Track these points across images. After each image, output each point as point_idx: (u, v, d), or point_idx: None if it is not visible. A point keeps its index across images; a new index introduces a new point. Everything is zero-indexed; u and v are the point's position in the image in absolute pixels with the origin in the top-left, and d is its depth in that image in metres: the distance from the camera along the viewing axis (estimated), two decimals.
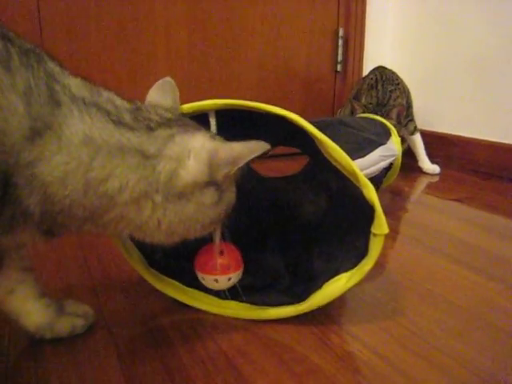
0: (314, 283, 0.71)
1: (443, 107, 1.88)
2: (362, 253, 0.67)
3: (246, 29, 1.84)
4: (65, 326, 0.65)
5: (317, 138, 0.64)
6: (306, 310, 0.69)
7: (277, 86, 1.96)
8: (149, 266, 0.77)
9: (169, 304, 0.75)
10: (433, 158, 1.75)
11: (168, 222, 0.53)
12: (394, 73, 1.76)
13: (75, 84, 0.50)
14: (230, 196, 0.59)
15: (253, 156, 0.55)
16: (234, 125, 0.73)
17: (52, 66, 0.50)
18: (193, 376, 0.58)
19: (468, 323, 0.70)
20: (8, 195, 0.46)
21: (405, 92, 1.74)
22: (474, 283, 0.83)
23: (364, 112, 1.63)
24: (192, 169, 0.52)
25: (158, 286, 0.76)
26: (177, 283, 0.76)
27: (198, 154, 0.52)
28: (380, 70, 1.75)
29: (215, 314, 0.72)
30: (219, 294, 0.74)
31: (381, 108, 1.64)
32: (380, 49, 2.10)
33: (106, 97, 0.52)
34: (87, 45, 1.60)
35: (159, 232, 0.54)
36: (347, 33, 2.02)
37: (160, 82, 0.62)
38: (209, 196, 0.54)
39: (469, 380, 0.57)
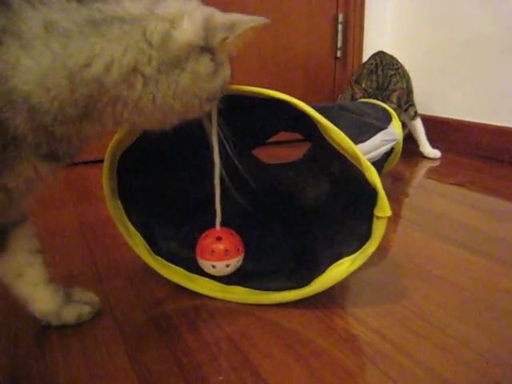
0: (317, 267, 0.71)
1: (443, 92, 1.88)
2: (365, 236, 0.67)
3: (245, 13, 1.82)
4: (72, 313, 0.65)
5: (319, 122, 0.64)
6: (309, 294, 0.70)
7: (276, 72, 1.95)
8: (153, 253, 0.78)
9: (173, 290, 0.76)
10: (433, 143, 1.74)
11: (162, 96, 0.49)
12: (394, 58, 1.75)
13: None
14: (226, 71, 0.55)
15: (251, 25, 0.52)
16: (235, 111, 0.73)
17: None
18: (199, 360, 0.58)
19: (470, 304, 0.71)
20: None
21: (405, 77, 1.73)
22: (475, 265, 0.84)
23: (364, 96, 1.63)
24: (187, 30, 0.48)
25: (163, 272, 0.77)
26: (181, 269, 0.77)
27: (192, 15, 0.49)
28: (380, 55, 1.74)
29: (220, 300, 0.73)
30: (223, 280, 0.74)
31: (381, 92, 1.63)
32: (380, 34, 2.09)
33: None
34: None
35: (156, 110, 0.50)
36: (347, 18, 2.01)
37: None
38: (204, 65, 0.51)
39: (472, 359, 0.58)
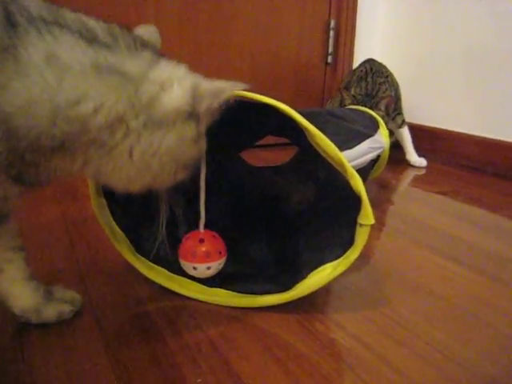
0: (299, 272, 0.72)
1: (431, 101, 1.90)
2: (348, 243, 0.68)
3: (238, 18, 1.83)
4: (52, 311, 0.65)
5: (306, 128, 0.64)
6: (291, 299, 0.70)
7: (267, 76, 1.96)
8: (136, 253, 0.78)
9: (155, 290, 0.76)
10: (419, 152, 1.76)
11: (142, 151, 0.50)
12: (383, 66, 1.77)
13: (34, 4, 0.46)
14: (203, 144, 0.57)
15: (233, 92, 0.54)
16: (224, 114, 0.73)
17: None
18: (178, 361, 0.58)
19: (449, 313, 0.72)
20: None
21: (393, 85, 1.75)
22: (457, 274, 0.85)
23: (353, 103, 1.64)
24: (176, 95, 0.50)
25: (145, 272, 0.76)
26: (164, 270, 0.77)
27: (182, 82, 0.51)
28: (370, 63, 1.76)
29: (201, 301, 0.73)
30: (205, 282, 0.75)
31: (370, 99, 1.65)
32: (371, 41, 2.11)
33: (73, 17, 0.48)
34: None
35: (130, 163, 0.51)
36: (338, 25, 2.03)
37: (143, 26, 0.58)
38: (189, 131, 0.53)
39: (450, 368, 0.59)
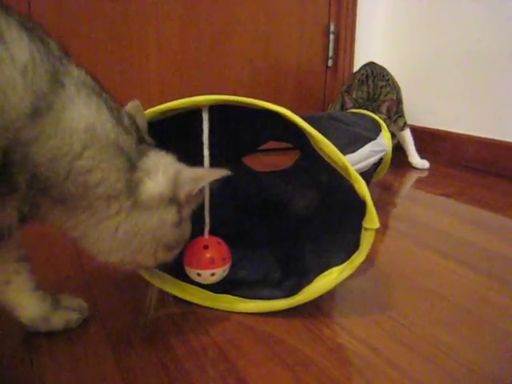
0: (305, 277, 0.72)
1: (433, 103, 1.90)
2: (353, 247, 0.68)
3: (238, 23, 1.84)
4: (59, 319, 0.65)
5: (309, 133, 0.65)
6: (297, 304, 0.70)
7: (268, 81, 1.96)
8: None
9: (162, 297, 0.76)
10: (422, 153, 1.77)
11: (126, 229, 0.54)
12: (384, 69, 1.77)
13: (81, 73, 0.50)
14: (186, 228, 0.61)
15: (212, 178, 0.58)
16: (226, 120, 0.74)
17: (57, 48, 0.49)
18: (187, 368, 0.59)
19: (455, 315, 0.72)
20: (4, 173, 0.45)
21: (395, 88, 1.75)
22: (462, 277, 0.85)
23: (355, 106, 1.65)
24: (159, 181, 0.55)
25: (152, 280, 0.77)
26: (170, 277, 0.77)
27: (165, 169, 0.56)
28: (371, 66, 1.76)
29: (208, 308, 0.73)
30: (212, 288, 0.75)
31: (371, 102, 1.65)
32: (371, 44, 2.11)
33: (109, 95, 0.53)
34: (77, 40, 1.60)
35: (113, 238, 0.54)
36: (338, 28, 2.03)
37: (130, 105, 0.62)
38: (170, 215, 0.56)
39: (456, 370, 0.59)
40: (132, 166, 0.53)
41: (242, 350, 0.63)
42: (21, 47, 0.44)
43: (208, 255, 0.69)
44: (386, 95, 1.68)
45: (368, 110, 1.55)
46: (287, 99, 2.01)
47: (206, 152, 0.69)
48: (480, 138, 1.71)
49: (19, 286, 0.63)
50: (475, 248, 0.98)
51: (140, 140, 0.56)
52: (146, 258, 0.58)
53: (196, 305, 0.74)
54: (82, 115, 0.47)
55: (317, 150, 0.67)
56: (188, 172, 0.57)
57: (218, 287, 0.74)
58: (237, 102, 0.66)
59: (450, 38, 1.79)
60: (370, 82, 1.71)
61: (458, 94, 1.79)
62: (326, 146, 0.64)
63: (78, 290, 0.78)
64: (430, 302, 0.76)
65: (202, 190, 0.59)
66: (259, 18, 1.88)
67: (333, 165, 0.66)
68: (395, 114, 1.71)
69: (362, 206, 0.65)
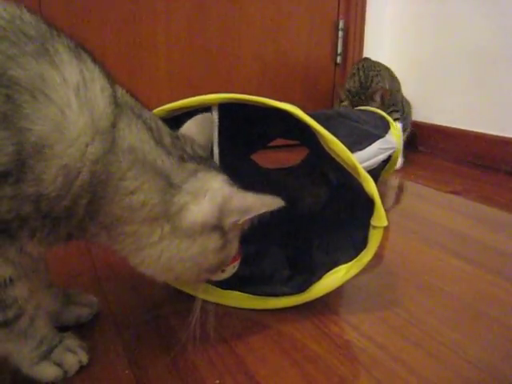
0: (313, 275, 0.72)
1: (441, 99, 1.89)
2: (361, 244, 0.68)
3: (246, 20, 1.84)
4: (71, 315, 0.66)
5: (318, 132, 0.65)
6: (305, 301, 0.71)
7: (276, 78, 1.96)
8: None
9: (171, 293, 0.77)
10: (430, 150, 1.76)
11: (169, 257, 0.53)
12: (377, 63, 1.80)
13: (123, 93, 0.51)
14: (233, 247, 0.59)
15: (264, 210, 0.54)
16: (236, 118, 0.74)
17: (100, 69, 0.49)
18: (197, 363, 0.59)
19: (463, 313, 0.72)
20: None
21: (387, 78, 1.76)
22: (469, 274, 0.85)
23: (348, 97, 1.67)
24: (204, 208, 0.53)
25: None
26: None
27: (213, 195, 0.53)
28: (363, 61, 1.82)
29: (217, 303, 0.74)
30: (220, 285, 0.75)
31: (364, 91, 1.67)
32: (380, 41, 2.11)
33: (149, 114, 0.54)
34: (86, 38, 1.61)
35: (157, 264, 0.54)
36: (347, 25, 2.03)
37: (200, 116, 0.62)
38: (214, 241, 0.54)
39: (463, 368, 0.59)
40: (173, 188, 0.51)
41: (250, 345, 0.64)
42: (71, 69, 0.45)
43: None
44: (377, 83, 1.69)
45: (361, 98, 1.58)
46: (296, 96, 2.01)
47: (215, 149, 0.70)
48: (489, 134, 1.70)
49: (33, 284, 0.62)
50: (483, 246, 0.98)
51: (190, 158, 0.54)
52: (190, 280, 0.59)
53: (204, 301, 0.74)
54: (125, 136, 0.48)
55: (325, 148, 0.67)
56: (238, 200, 0.54)
57: (226, 284, 0.75)
58: (246, 100, 0.66)
59: (459, 34, 1.78)
60: (361, 73, 1.73)
61: (467, 90, 1.78)
62: (335, 144, 0.65)
63: (88, 285, 0.79)
64: (438, 299, 0.76)
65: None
66: (268, 14, 1.88)
67: (341, 163, 0.67)
68: (390, 107, 1.70)
69: (369, 203, 0.65)
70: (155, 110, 0.68)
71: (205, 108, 0.69)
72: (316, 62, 2.03)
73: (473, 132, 1.76)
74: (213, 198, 0.53)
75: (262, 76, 1.93)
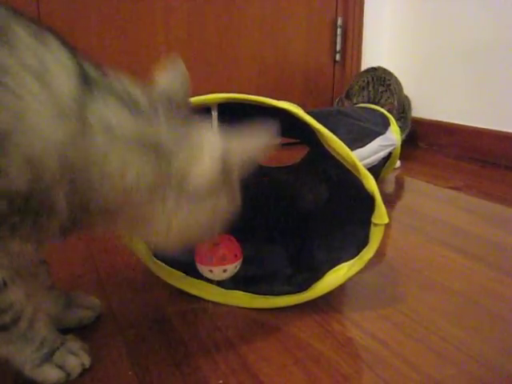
0: (315, 273, 0.73)
1: (441, 95, 1.89)
2: (363, 242, 0.68)
3: (245, 19, 1.84)
4: (73, 317, 0.66)
5: (317, 130, 0.65)
6: (308, 299, 0.71)
7: (275, 76, 1.96)
8: (154, 257, 0.79)
9: (174, 294, 0.77)
10: (431, 146, 1.76)
11: (181, 224, 0.51)
12: (387, 73, 1.75)
13: (91, 69, 0.47)
14: (238, 195, 0.57)
15: (262, 145, 0.54)
16: (235, 116, 0.74)
17: (66, 49, 0.46)
18: (199, 364, 0.60)
19: (465, 309, 0.72)
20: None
21: (396, 93, 1.73)
22: (472, 270, 0.85)
23: None
24: (206, 167, 0.51)
25: (163, 276, 0.78)
26: (182, 274, 0.78)
27: (211, 149, 0.51)
28: (373, 73, 1.75)
29: (220, 304, 0.74)
30: (223, 285, 0.76)
31: None
32: (378, 38, 2.10)
33: (118, 81, 0.49)
34: (86, 36, 1.61)
35: (167, 235, 0.52)
36: (346, 22, 2.03)
37: (172, 71, 0.57)
38: (223, 197, 0.53)
39: (466, 364, 0.59)
40: (166, 156, 0.48)
41: (253, 345, 0.64)
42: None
43: (220, 252, 0.70)
44: (386, 100, 1.67)
45: None
46: (295, 94, 2.00)
47: None
48: (489, 130, 1.70)
49: (36, 286, 0.62)
50: (485, 241, 0.98)
51: (173, 117, 0.50)
52: (205, 235, 0.57)
53: (207, 301, 0.75)
54: (98, 115, 0.44)
55: (326, 146, 0.67)
56: (236, 146, 0.53)
57: (229, 283, 0.75)
58: (245, 99, 0.66)
59: (459, 30, 1.78)
60: (371, 88, 1.70)
61: (467, 86, 1.77)
62: (334, 142, 0.65)
63: (90, 287, 0.79)
64: (439, 295, 0.76)
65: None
66: (266, 13, 1.87)
67: (341, 160, 0.67)
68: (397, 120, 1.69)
69: (370, 201, 0.65)
70: None
71: (204, 108, 0.69)
72: (315, 59, 2.03)
73: (473, 127, 1.75)
74: (211, 152, 0.51)
75: (262, 74, 1.93)
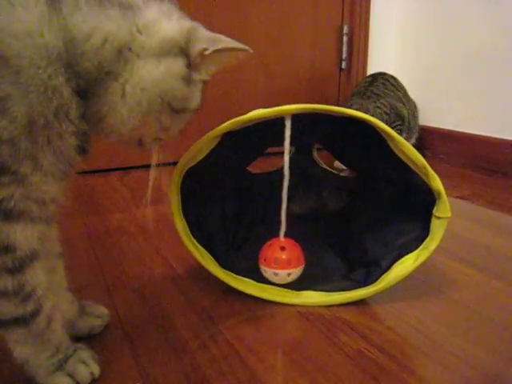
0: (377, 267, 0.78)
1: (446, 104, 1.89)
2: (422, 235, 0.75)
3: (251, 27, 1.85)
4: (84, 326, 0.67)
5: (393, 138, 0.69)
6: (379, 291, 0.75)
7: (282, 84, 1.96)
8: (219, 266, 0.81)
9: (181, 303, 0.77)
10: (437, 155, 1.76)
11: (133, 86, 0.51)
12: (389, 87, 1.76)
13: None
14: (196, 94, 0.57)
15: (232, 45, 0.56)
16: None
17: None
18: (207, 375, 0.60)
19: (471, 320, 0.72)
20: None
21: (386, 107, 1.73)
22: (478, 281, 0.85)
23: None
24: (173, 26, 0.52)
25: (234, 284, 0.79)
26: (250, 281, 0.81)
27: (181, 19, 0.54)
28: (375, 88, 1.76)
29: (226, 314, 0.74)
30: (293, 287, 0.78)
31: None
32: (384, 46, 2.10)
33: None
34: None
35: (123, 102, 0.51)
36: (352, 30, 2.03)
37: None
38: (179, 66, 0.53)
39: (473, 378, 0.59)
40: (133, 11, 0.50)
41: (260, 356, 0.64)
42: None
43: (285, 256, 0.74)
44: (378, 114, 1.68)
45: None
46: (301, 101, 2.00)
47: (286, 158, 0.73)
48: (497, 138, 1.69)
49: (53, 285, 0.60)
50: (492, 252, 0.98)
51: None
52: (153, 124, 0.55)
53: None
54: None
55: (396, 151, 0.71)
56: (206, 31, 0.55)
57: (299, 285, 0.78)
58: (323, 110, 0.69)
59: (464, 38, 1.78)
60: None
61: (475, 94, 1.77)
62: (405, 145, 0.70)
63: (98, 295, 0.79)
64: (446, 306, 0.76)
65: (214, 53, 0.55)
66: (272, 20, 1.88)
67: (407, 162, 0.72)
68: (392, 123, 1.69)
69: (428, 197, 0.73)
70: (228, 123, 0.70)
71: (275, 119, 0.72)
72: (321, 67, 2.03)
73: (480, 136, 1.75)
74: (181, 20, 0.53)
75: (267, 83, 1.93)
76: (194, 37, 0.54)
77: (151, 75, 0.51)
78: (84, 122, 0.50)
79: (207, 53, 0.54)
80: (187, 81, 0.55)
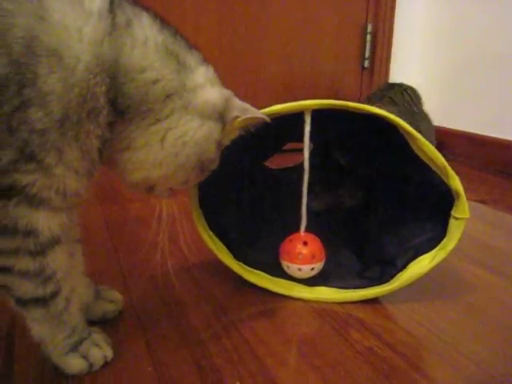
0: (392, 266, 0.78)
1: (468, 106, 1.86)
2: (439, 235, 0.75)
3: (274, 21, 1.84)
4: (98, 310, 0.68)
5: (415, 137, 0.70)
6: (394, 290, 0.75)
7: (303, 81, 1.96)
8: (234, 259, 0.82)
9: (194, 294, 0.78)
10: (456, 158, 1.74)
11: (176, 137, 0.54)
12: (397, 99, 1.73)
13: None
14: (217, 158, 0.62)
15: (258, 116, 0.61)
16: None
17: None
18: (218, 364, 0.60)
19: (486, 325, 0.71)
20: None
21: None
22: (495, 285, 0.84)
23: None
24: (216, 94, 0.57)
25: (248, 277, 0.80)
26: (264, 274, 0.81)
27: (223, 88, 0.59)
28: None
29: (237, 305, 0.75)
30: (306, 282, 0.79)
31: None
32: (409, 45, 2.08)
33: (147, 14, 0.55)
34: None
35: (161, 147, 0.54)
36: (376, 29, 2.01)
37: None
38: (218, 131, 0.58)
39: (483, 380, 0.59)
40: (187, 69, 0.54)
41: (271, 349, 0.64)
42: None
43: (308, 251, 0.75)
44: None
45: None
46: (321, 98, 1.99)
47: (306, 154, 0.74)
48: None
49: (71, 268, 0.60)
50: (510, 257, 0.97)
51: (194, 48, 0.57)
52: (182, 177, 0.59)
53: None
54: (128, 22, 0.51)
55: (416, 151, 0.72)
56: (238, 100, 0.60)
57: (312, 280, 0.78)
58: (344, 106, 0.71)
59: (493, 40, 1.75)
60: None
61: (495, 97, 1.74)
62: (426, 145, 0.70)
63: (113, 282, 0.80)
64: (461, 310, 0.76)
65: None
66: (295, 16, 1.87)
67: (427, 161, 0.72)
68: None
69: (446, 197, 0.73)
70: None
71: (294, 113, 0.73)
72: (343, 65, 2.02)
73: (500, 139, 1.72)
74: (221, 89, 0.59)
75: (289, 79, 1.93)
76: (231, 105, 0.58)
77: (195, 133, 0.55)
78: (108, 131, 0.52)
79: (239, 120, 0.59)
80: (219, 144, 0.59)
